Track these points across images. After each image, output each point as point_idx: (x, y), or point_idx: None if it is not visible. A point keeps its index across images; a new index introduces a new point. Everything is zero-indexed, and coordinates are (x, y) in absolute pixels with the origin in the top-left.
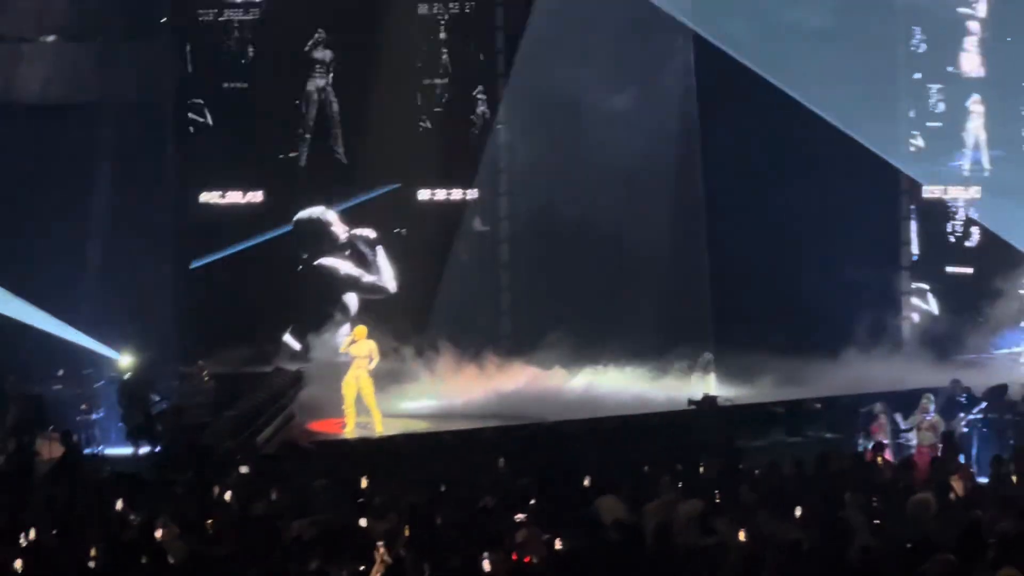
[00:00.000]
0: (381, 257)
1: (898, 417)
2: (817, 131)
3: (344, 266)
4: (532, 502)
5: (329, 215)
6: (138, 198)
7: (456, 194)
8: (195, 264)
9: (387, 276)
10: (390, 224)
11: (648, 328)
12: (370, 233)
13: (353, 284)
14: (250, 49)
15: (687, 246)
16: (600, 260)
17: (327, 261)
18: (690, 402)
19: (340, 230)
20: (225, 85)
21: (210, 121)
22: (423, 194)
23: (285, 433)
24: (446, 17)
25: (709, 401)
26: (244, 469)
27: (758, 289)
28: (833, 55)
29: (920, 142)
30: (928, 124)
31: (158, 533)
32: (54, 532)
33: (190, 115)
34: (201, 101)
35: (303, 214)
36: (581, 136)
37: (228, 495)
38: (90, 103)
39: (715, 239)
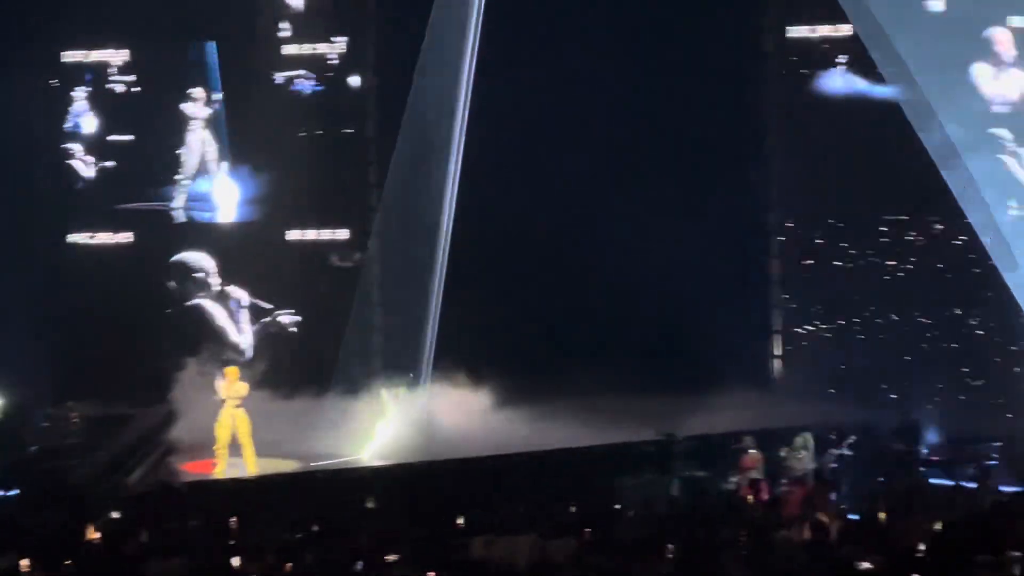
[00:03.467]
0: (246, 320)
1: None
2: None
3: (218, 315)
4: (404, 542)
5: (207, 263)
6: (10, 240)
7: (326, 233)
8: (64, 304)
9: (248, 341)
10: (260, 265)
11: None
12: (243, 296)
13: (218, 338)
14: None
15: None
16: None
17: (205, 304)
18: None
19: (215, 281)
20: (109, 135)
21: (86, 166)
22: (292, 234)
23: (156, 474)
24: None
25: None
26: (115, 514)
27: (621, 326)
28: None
29: None
30: None
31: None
32: None
33: (67, 161)
34: (79, 146)
35: (183, 256)
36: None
37: (96, 536)
38: None
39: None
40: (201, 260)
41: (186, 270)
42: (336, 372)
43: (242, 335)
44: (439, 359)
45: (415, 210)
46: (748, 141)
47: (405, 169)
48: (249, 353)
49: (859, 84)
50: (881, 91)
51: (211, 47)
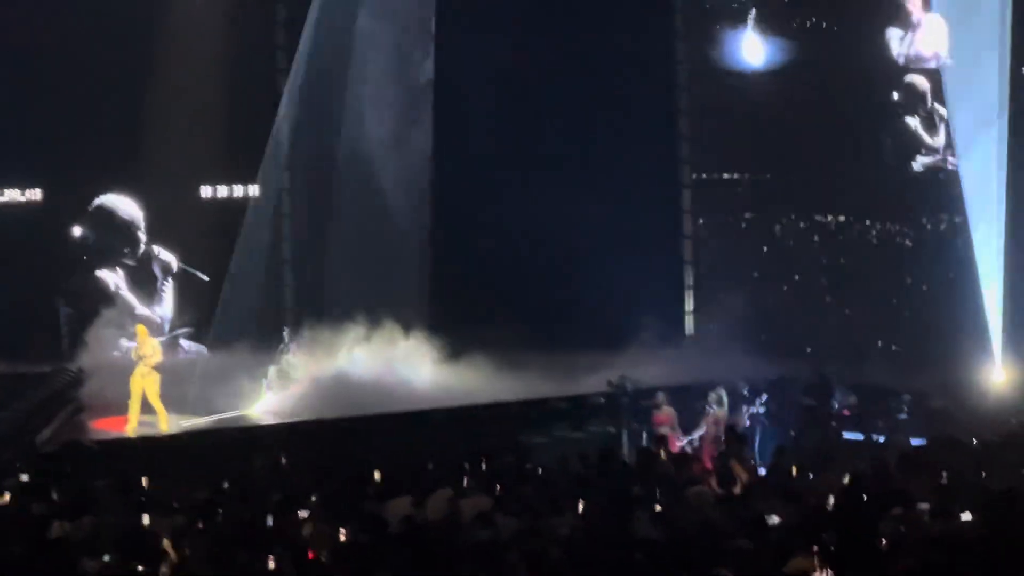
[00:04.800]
0: (169, 291)
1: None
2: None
3: (123, 286)
4: (316, 498)
5: (136, 214)
6: None
7: (239, 191)
8: None
9: (166, 311)
10: (173, 220)
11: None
12: (172, 260)
13: (126, 309)
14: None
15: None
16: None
17: (106, 277)
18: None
19: (142, 236)
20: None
21: None
22: (206, 191)
23: (66, 432)
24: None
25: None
26: (24, 477)
27: (536, 283)
28: None
29: None
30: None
31: None
32: None
33: None
34: None
35: (110, 201)
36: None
37: (6, 497)
38: None
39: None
40: (130, 209)
41: (111, 220)
42: (244, 329)
43: (161, 305)
44: (348, 316)
45: (319, 158)
46: (659, 97)
47: (302, 108)
48: (167, 325)
49: (770, 41)
50: (793, 49)
51: None
